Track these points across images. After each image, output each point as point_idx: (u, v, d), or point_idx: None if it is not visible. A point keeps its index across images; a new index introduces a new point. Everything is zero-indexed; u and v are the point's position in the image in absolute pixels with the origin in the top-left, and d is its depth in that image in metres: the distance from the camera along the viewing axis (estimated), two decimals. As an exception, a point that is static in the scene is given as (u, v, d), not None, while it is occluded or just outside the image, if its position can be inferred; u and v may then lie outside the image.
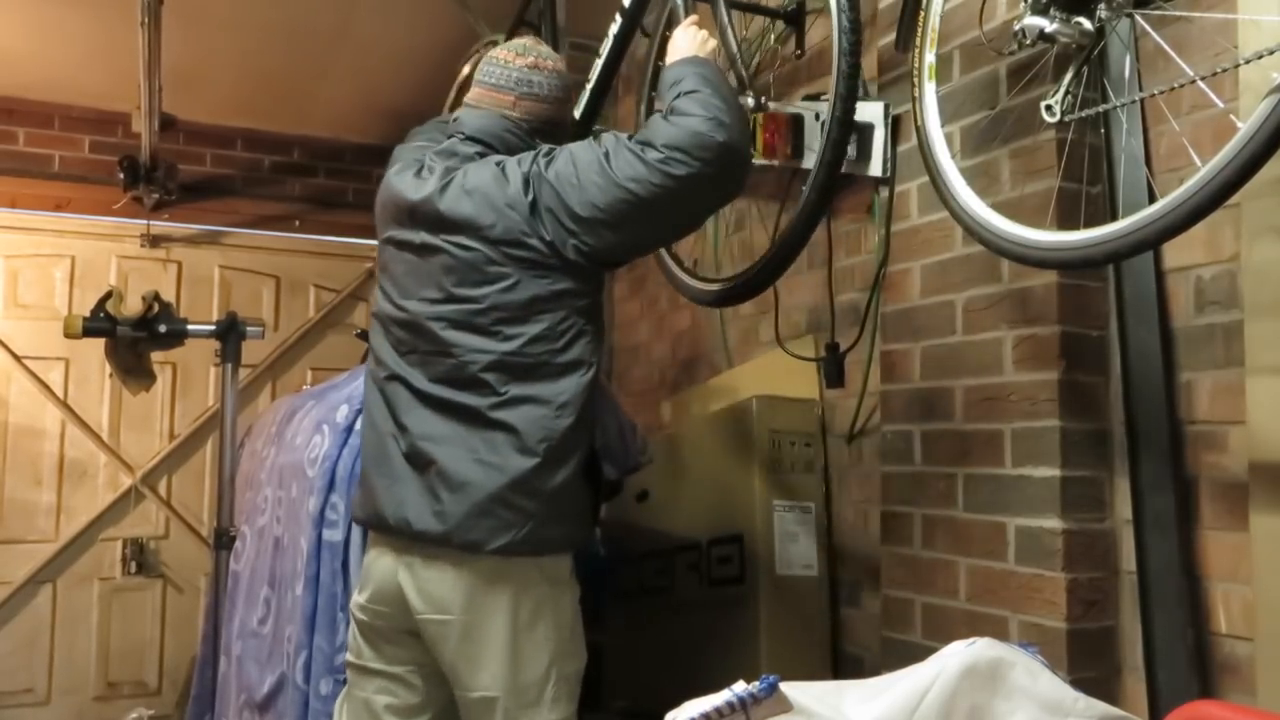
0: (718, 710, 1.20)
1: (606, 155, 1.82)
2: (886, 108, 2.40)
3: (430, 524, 1.83)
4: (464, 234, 1.88)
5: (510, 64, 2.02)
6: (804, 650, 2.55)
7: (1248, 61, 1.45)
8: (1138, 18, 1.72)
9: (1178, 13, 1.76)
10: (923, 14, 1.93)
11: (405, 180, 1.99)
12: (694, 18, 2.07)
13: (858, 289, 2.60)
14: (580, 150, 1.87)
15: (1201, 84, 1.53)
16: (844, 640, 2.59)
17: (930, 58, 1.92)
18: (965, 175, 1.84)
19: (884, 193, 2.42)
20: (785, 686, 1.23)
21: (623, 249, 1.94)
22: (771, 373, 2.83)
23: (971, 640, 1.39)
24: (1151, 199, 1.78)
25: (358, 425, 2.30)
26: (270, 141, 4.60)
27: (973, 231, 1.78)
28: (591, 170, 1.82)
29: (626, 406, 2.68)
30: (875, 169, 2.42)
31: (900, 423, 2.26)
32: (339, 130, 4.72)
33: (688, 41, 1.99)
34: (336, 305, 4.78)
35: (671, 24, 2.13)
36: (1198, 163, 1.45)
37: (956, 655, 1.36)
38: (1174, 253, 1.83)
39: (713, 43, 2.01)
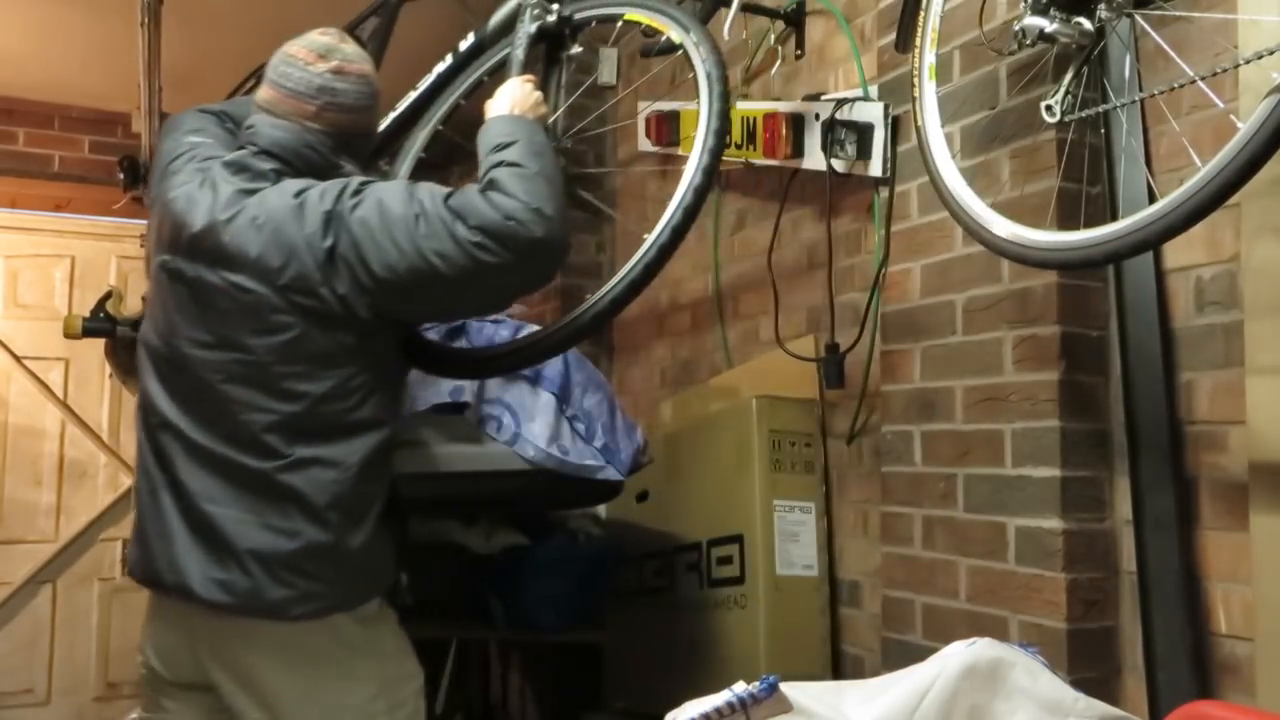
0: (718, 710, 1.20)
1: (417, 218, 1.63)
2: (886, 108, 2.40)
3: (215, 594, 1.67)
4: (247, 274, 1.67)
5: (311, 67, 1.81)
6: (804, 650, 2.55)
7: (1248, 61, 1.45)
8: (1138, 18, 1.72)
9: (1178, 13, 1.75)
10: (923, 14, 1.93)
11: (189, 199, 1.74)
12: (529, 76, 1.93)
13: (858, 289, 2.60)
14: (391, 200, 1.67)
15: (1201, 84, 1.52)
16: (844, 640, 2.59)
17: (930, 58, 1.91)
18: (965, 175, 1.84)
19: (884, 193, 2.42)
20: (785, 687, 1.23)
21: (414, 316, 1.80)
22: (771, 373, 2.82)
23: (971, 640, 1.39)
24: (1151, 199, 1.78)
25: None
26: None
27: (973, 231, 1.78)
28: (398, 229, 1.63)
29: (626, 406, 2.68)
30: (875, 169, 2.42)
31: (900, 423, 2.26)
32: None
33: (521, 97, 1.84)
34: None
35: (499, 73, 1.99)
36: (1198, 163, 1.45)
37: (956, 655, 1.36)
38: (1174, 253, 1.83)
39: (543, 107, 1.88)
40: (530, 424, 2.39)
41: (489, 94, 1.90)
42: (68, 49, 3.70)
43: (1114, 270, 1.92)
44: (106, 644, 4.33)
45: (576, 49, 2.07)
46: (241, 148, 1.80)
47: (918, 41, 1.93)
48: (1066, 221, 1.87)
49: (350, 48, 1.87)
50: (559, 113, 1.97)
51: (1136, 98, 1.83)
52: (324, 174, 1.77)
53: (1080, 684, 1.63)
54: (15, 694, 4.18)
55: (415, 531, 2.61)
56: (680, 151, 3.21)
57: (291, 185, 1.71)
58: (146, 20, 3.02)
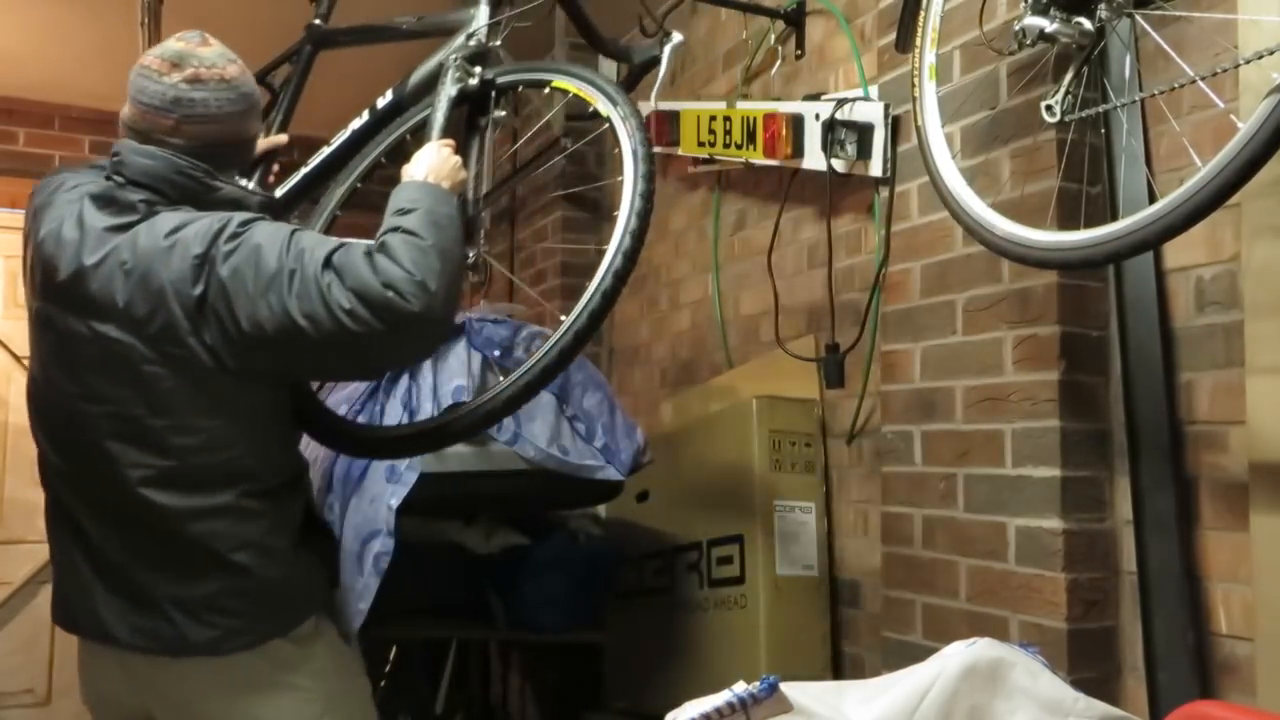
0: (718, 710, 1.20)
1: (292, 274, 1.53)
2: (886, 108, 2.40)
3: (141, 642, 1.64)
4: (114, 323, 1.57)
5: (164, 78, 1.68)
6: (804, 650, 2.55)
7: (1248, 61, 1.45)
8: (1138, 18, 1.72)
9: (1178, 13, 1.76)
10: (923, 14, 1.93)
11: (58, 240, 1.61)
12: (449, 140, 1.85)
13: (858, 289, 2.60)
14: (269, 250, 1.55)
15: (1202, 84, 1.52)
16: (844, 640, 2.59)
17: (930, 58, 1.91)
18: (965, 175, 1.84)
19: (884, 193, 2.42)
20: (785, 687, 1.23)
21: (277, 373, 1.66)
22: (771, 373, 2.82)
23: (972, 640, 1.40)
24: (1151, 199, 1.78)
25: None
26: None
27: (973, 232, 1.78)
28: (270, 284, 1.53)
29: (626, 406, 2.68)
30: (875, 169, 2.42)
31: (900, 423, 2.26)
32: (338, 130, 4.71)
33: (437, 163, 1.75)
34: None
35: (428, 134, 1.90)
36: (1198, 163, 1.45)
37: (957, 655, 1.36)
38: (1174, 253, 1.83)
39: (462, 172, 1.80)
40: (530, 424, 2.39)
41: (411, 155, 1.83)
42: (68, 49, 3.70)
43: (1114, 270, 1.92)
44: (106, 644, 4.33)
45: (501, 113, 2.00)
46: (109, 177, 1.65)
47: (918, 41, 1.94)
48: (1067, 221, 1.87)
49: (209, 51, 1.73)
50: (478, 178, 1.91)
51: (1136, 98, 1.83)
52: (201, 199, 1.66)
53: (1080, 684, 1.63)
54: (15, 694, 4.18)
55: (415, 531, 2.61)
56: (680, 150, 3.22)
57: (165, 222, 1.59)
58: (146, 20, 3.02)
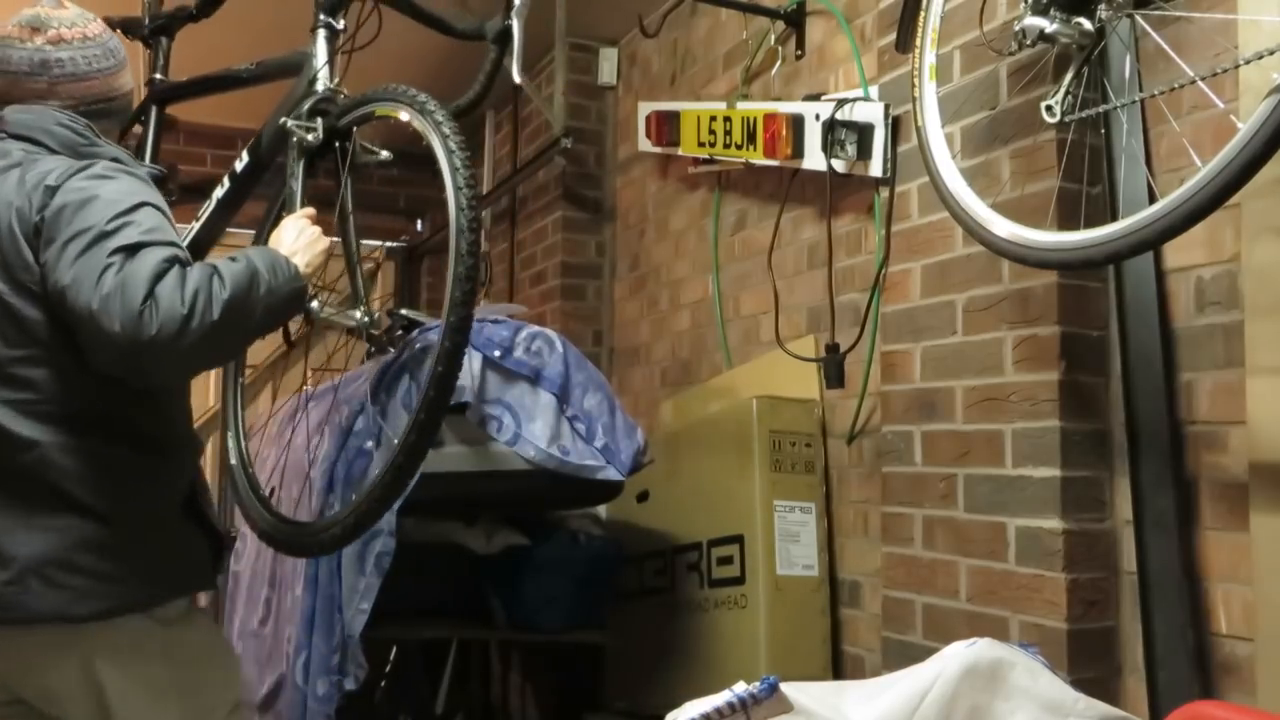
0: (718, 710, 1.20)
1: (96, 239, 1.48)
2: (886, 108, 2.40)
3: None
4: None
5: (27, 43, 1.68)
6: (804, 650, 2.55)
7: (1248, 62, 1.45)
8: (1138, 18, 1.72)
9: (1178, 13, 1.76)
10: (923, 14, 1.93)
11: None
12: (310, 211, 1.79)
13: (858, 289, 2.60)
14: (102, 205, 1.52)
15: (1201, 84, 1.52)
16: (844, 640, 2.59)
17: (930, 58, 1.91)
18: (966, 175, 1.84)
19: (884, 193, 2.42)
20: (785, 687, 1.23)
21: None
22: (771, 373, 2.83)
23: (972, 640, 1.40)
24: (1151, 199, 1.78)
25: (358, 426, 2.30)
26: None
27: (973, 232, 1.78)
28: (74, 236, 1.50)
29: (626, 406, 2.68)
30: (875, 169, 2.42)
31: (900, 423, 2.26)
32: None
33: (293, 239, 1.70)
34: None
35: (288, 207, 1.84)
36: (1198, 163, 1.45)
37: (957, 656, 1.36)
38: (1174, 253, 1.83)
39: (323, 244, 1.73)
40: (531, 424, 2.39)
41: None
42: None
43: (1114, 270, 1.92)
44: (107, 644, 4.33)
45: (378, 154, 1.89)
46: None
47: (918, 42, 1.93)
48: (1067, 222, 1.87)
49: (67, 12, 1.72)
50: (347, 232, 1.85)
51: (1137, 98, 1.83)
52: (81, 151, 1.64)
53: (1080, 684, 1.63)
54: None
55: (416, 532, 2.62)
56: (680, 151, 3.22)
57: (42, 164, 1.59)
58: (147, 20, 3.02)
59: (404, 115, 1.75)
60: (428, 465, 2.29)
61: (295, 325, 1.92)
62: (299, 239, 1.71)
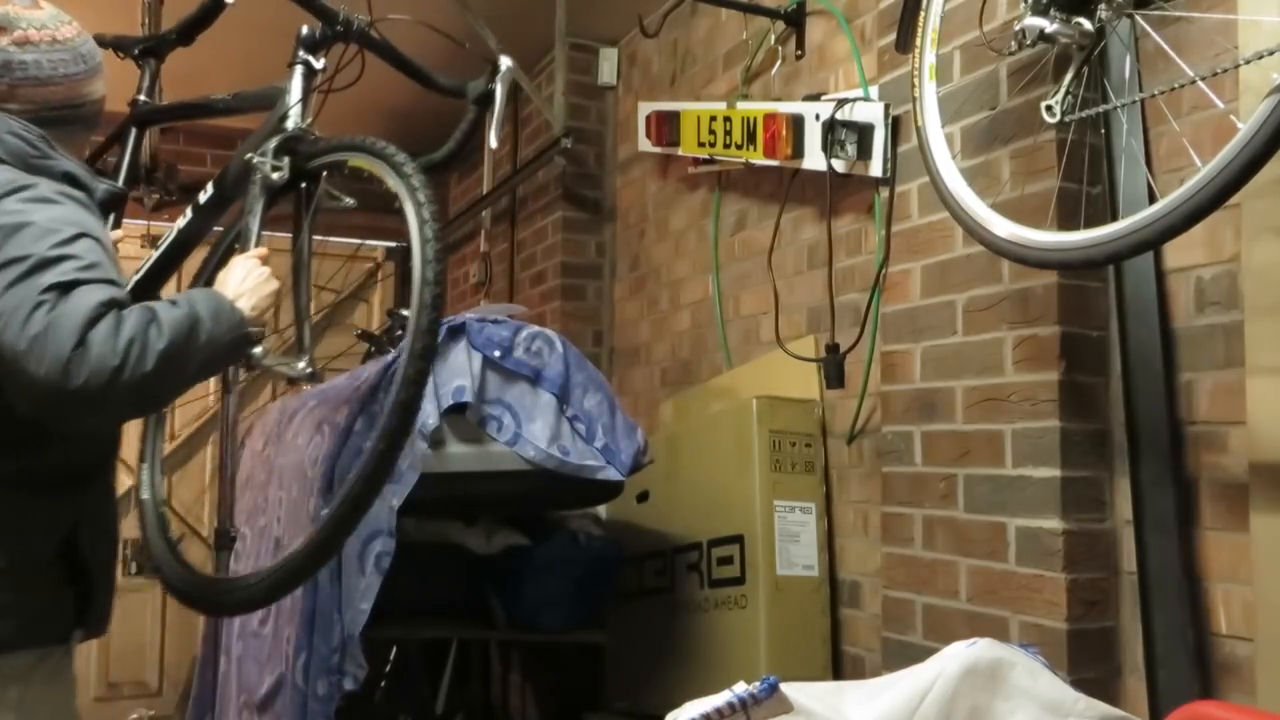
0: (718, 710, 1.20)
1: (29, 270, 1.38)
2: (886, 108, 2.40)
3: None
4: None
5: None
6: (804, 650, 2.55)
7: (1248, 62, 1.45)
8: (1138, 18, 1.72)
9: (1178, 13, 1.76)
10: (923, 14, 1.93)
11: None
12: (264, 251, 1.72)
13: (858, 289, 2.60)
14: (36, 233, 1.42)
15: (1202, 84, 1.52)
16: (844, 640, 2.59)
17: (930, 58, 1.92)
18: (966, 175, 1.84)
19: (884, 193, 2.42)
20: (785, 687, 1.23)
21: None
22: (771, 373, 2.83)
23: (972, 641, 1.40)
24: (1152, 199, 1.78)
25: (358, 426, 2.30)
26: (270, 142, 4.59)
27: (973, 232, 1.78)
28: (3, 265, 1.39)
29: (626, 406, 2.68)
30: (875, 169, 2.42)
31: (900, 423, 2.27)
32: (339, 131, 4.70)
33: (238, 280, 1.62)
34: (337, 305, 4.79)
35: (242, 243, 1.79)
36: (1198, 163, 1.45)
37: (957, 656, 1.36)
38: (1174, 253, 1.83)
39: (271, 286, 1.66)
40: (531, 424, 2.39)
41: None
42: (68, 49, 3.69)
43: (1114, 270, 1.92)
44: (107, 644, 4.33)
45: (343, 200, 1.85)
46: None
47: (918, 42, 1.94)
48: (1067, 222, 1.87)
49: (39, 13, 1.65)
50: (299, 277, 1.82)
51: (1137, 98, 1.83)
52: (33, 164, 1.56)
53: (1080, 684, 1.63)
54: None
55: (416, 532, 2.62)
56: (680, 151, 3.22)
57: None
58: (146, 20, 3.02)
59: (377, 169, 1.71)
60: (428, 465, 2.30)
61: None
62: (246, 280, 1.63)
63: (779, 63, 2.95)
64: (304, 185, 1.82)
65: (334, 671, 2.26)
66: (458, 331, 2.37)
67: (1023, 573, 1.95)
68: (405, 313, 2.93)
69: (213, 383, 4.32)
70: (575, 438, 2.45)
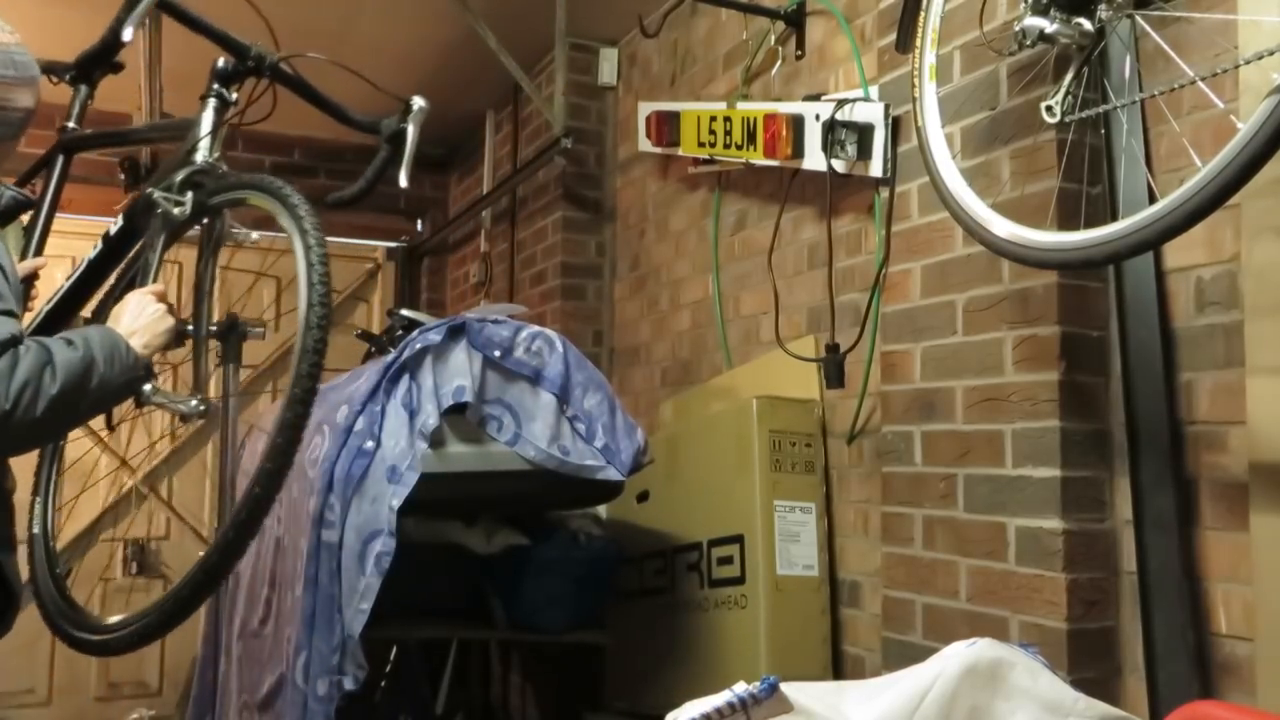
0: (718, 710, 1.20)
1: None
2: (886, 108, 2.40)
3: None
4: None
5: None
6: (804, 650, 2.55)
7: (1248, 62, 1.45)
8: (1138, 18, 1.72)
9: (1178, 13, 1.76)
10: (923, 14, 1.93)
11: None
12: (159, 287, 1.72)
13: (858, 289, 2.60)
14: None
15: (1202, 84, 1.53)
16: (844, 640, 2.59)
17: (931, 58, 1.92)
18: (966, 176, 1.84)
19: (884, 193, 2.42)
20: (785, 687, 1.23)
21: None
22: (771, 373, 2.83)
23: (972, 640, 1.40)
24: (1152, 199, 1.78)
25: (358, 426, 2.30)
26: (270, 142, 4.60)
27: (973, 232, 1.78)
28: None
29: (626, 406, 2.68)
30: (875, 169, 2.42)
31: (900, 423, 2.27)
32: (339, 131, 4.68)
33: (132, 318, 1.62)
34: (337, 306, 4.79)
35: (141, 279, 1.79)
36: (1198, 163, 1.45)
37: (957, 655, 1.36)
38: (1174, 253, 1.83)
39: (165, 324, 1.66)
40: (531, 424, 2.39)
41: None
42: (68, 49, 3.69)
43: (1114, 270, 1.92)
44: (107, 644, 4.33)
45: (248, 236, 1.84)
46: None
47: (918, 42, 1.94)
48: (1067, 222, 1.87)
49: None
50: (199, 311, 1.81)
51: (1137, 98, 1.83)
52: None
53: (1080, 684, 1.63)
54: (16, 694, 4.18)
55: (417, 532, 2.62)
56: (680, 151, 3.22)
57: None
58: (147, 21, 3.02)
59: (272, 208, 1.70)
60: (428, 465, 2.30)
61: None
62: (140, 317, 1.62)
63: (779, 63, 2.95)
64: (206, 220, 1.82)
65: (334, 671, 2.25)
66: (458, 331, 2.37)
67: (1023, 573, 1.95)
68: (405, 313, 2.93)
69: (213, 384, 4.32)
70: (575, 438, 2.45)
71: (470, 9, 3.40)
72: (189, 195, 1.80)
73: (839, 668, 2.58)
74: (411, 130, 1.93)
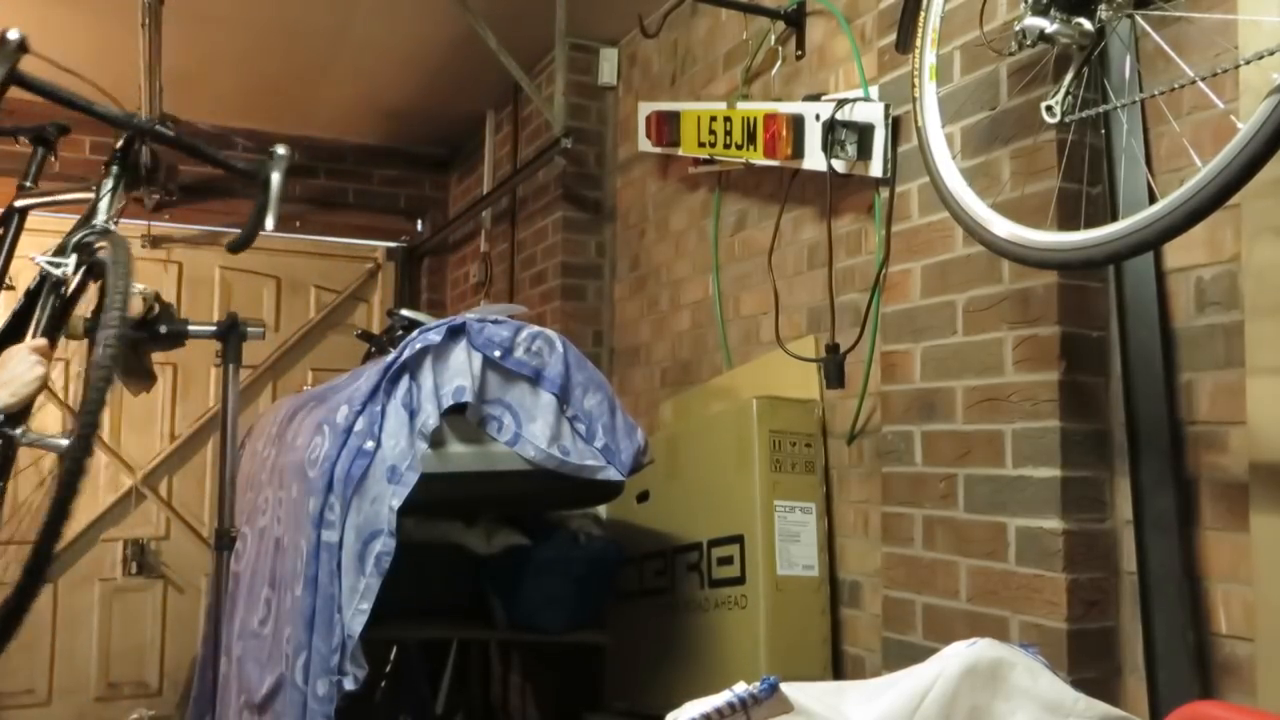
0: (718, 710, 1.20)
1: None
2: (886, 108, 2.40)
3: None
4: None
5: None
6: (804, 650, 2.55)
7: (1248, 62, 1.45)
8: (1138, 18, 1.72)
9: (1178, 13, 1.76)
10: (923, 14, 1.93)
11: None
12: (41, 343, 1.85)
13: (858, 289, 2.60)
14: None
15: (1202, 84, 1.53)
16: (844, 640, 2.59)
17: (931, 58, 1.92)
18: (966, 176, 1.84)
19: (884, 193, 2.42)
20: (785, 687, 1.23)
21: None
22: (771, 373, 2.83)
23: (972, 640, 1.40)
24: (1152, 199, 1.78)
25: (358, 426, 2.30)
26: (271, 142, 4.54)
27: (973, 232, 1.78)
28: None
29: (626, 406, 2.68)
30: (876, 169, 2.42)
31: (900, 423, 2.27)
32: (339, 131, 4.72)
33: (10, 370, 1.75)
34: (337, 306, 4.79)
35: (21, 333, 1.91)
36: (1198, 163, 1.45)
37: (957, 656, 1.36)
38: (1174, 253, 1.83)
39: (35, 374, 1.77)
40: (531, 424, 2.39)
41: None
42: (68, 49, 3.69)
43: (1114, 271, 1.92)
44: (107, 644, 4.33)
45: (140, 288, 1.96)
46: None
47: (918, 42, 1.94)
48: (1067, 222, 1.87)
49: None
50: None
51: (1137, 98, 1.83)
52: None
53: (1080, 684, 1.63)
54: (16, 694, 4.18)
55: (417, 532, 2.62)
56: (680, 151, 3.22)
57: None
58: (147, 21, 3.03)
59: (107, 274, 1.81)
60: (428, 465, 2.30)
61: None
62: (14, 369, 1.74)
63: (779, 63, 2.95)
64: (96, 280, 1.92)
65: (334, 671, 2.25)
66: (458, 331, 2.37)
67: (1023, 573, 1.95)
68: (405, 313, 2.93)
69: (213, 384, 4.34)
70: (575, 438, 2.45)
71: (470, 9, 3.40)
72: (72, 258, 1.96)
73: (839, 668, 2.58)
74: (275, 176, 2.12)
